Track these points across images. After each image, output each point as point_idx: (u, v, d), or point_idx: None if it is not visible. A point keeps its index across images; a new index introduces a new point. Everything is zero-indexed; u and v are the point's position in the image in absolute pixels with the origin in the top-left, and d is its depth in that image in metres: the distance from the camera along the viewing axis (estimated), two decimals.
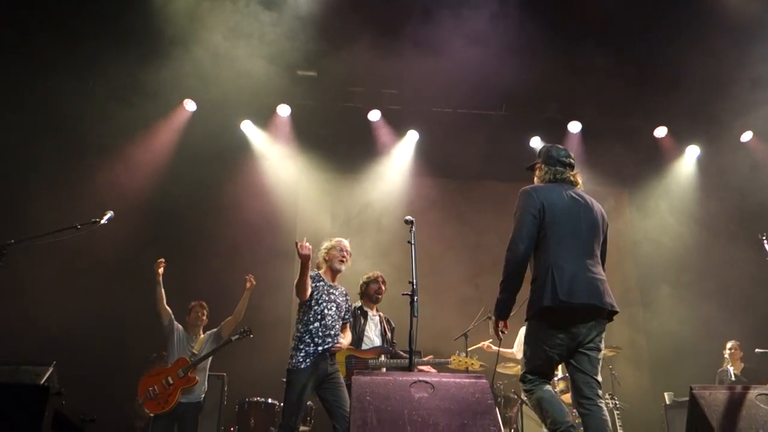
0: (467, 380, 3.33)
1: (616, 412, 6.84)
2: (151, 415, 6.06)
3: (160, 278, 6.33)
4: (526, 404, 7.15)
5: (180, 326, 6.51)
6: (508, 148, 9.51)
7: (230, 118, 9.33)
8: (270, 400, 7.02)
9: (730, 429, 3.21)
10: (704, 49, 7.82)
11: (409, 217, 4.74)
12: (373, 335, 5.90)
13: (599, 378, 3.60)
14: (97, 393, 6.22)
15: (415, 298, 4.38)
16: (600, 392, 3.57)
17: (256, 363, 7.95)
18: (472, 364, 6.09)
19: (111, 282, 8.15)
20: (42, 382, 2.62)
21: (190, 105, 9.11)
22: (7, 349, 6.06)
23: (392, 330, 6.10)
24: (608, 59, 8.26)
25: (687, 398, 7.12)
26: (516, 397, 7.40)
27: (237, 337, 6.32)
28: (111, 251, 8.04)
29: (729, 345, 7.82)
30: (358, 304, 6.06)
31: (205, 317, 6.60)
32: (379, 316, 6.11)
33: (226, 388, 6.85)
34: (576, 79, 8.79)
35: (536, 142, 9.90)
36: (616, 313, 3.71)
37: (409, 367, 4.24)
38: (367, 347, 5.83)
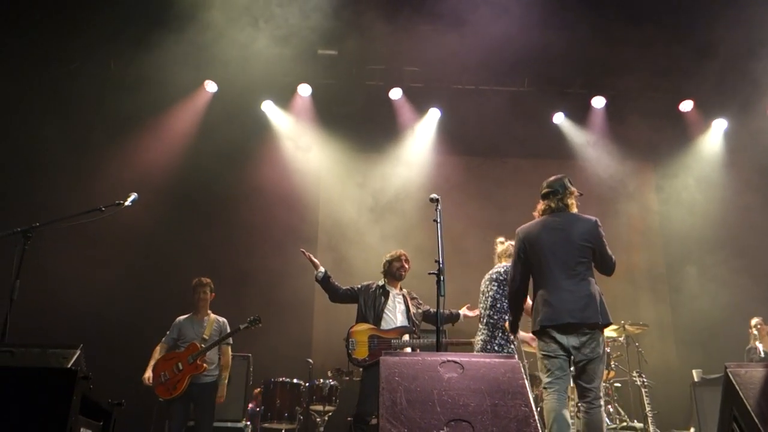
0: (497, 360, 3.28)
1: (643, 390, 6.77)
2: (161, 399, 6.03)
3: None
4: None
5: (182, 318, 6.38)
6: (532, 125, 9.38)
7: (251, 99, 9.28)
8: (295, 380, 7.04)
9: (767, 407, 3.12)
10: (731, 21, 7.60)
11: (434, 195, 4.67)
12: (395, 314, 5.82)
13: (593, 385, 4.19)
14: (123, 376, 6.22)
15: (442, 277, 4.32)
16: (594, 397, 4.18)
17: (280, 344, 7.98)
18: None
19: (135, 264, 8.21)
20: (69, 365, 2.60)
21: (210, 86, 9.09)
22: (34, 332, 6.10)
23: (419, 306, 6.03)
24: (633, 33, 8.09)
25: (715, 375, 7.14)
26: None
27: (245, 326, 6.20)
28: (135, 233, 8.09)
29: (754, 322, 7.67)
30: (381, 282, 6.01)
31: (208, 294, 6.41)
32: (404, 294, 6.03)
33: (251, 369, 6.86)
34: (600, 54, 8.61)
35: (559, 118, 9.77)
36: (594, 326, 4.23)
37: (437, 347, 4.19)
38: (389, 327, 5.76)
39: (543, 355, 4.31)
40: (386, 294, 5.90)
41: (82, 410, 2.11)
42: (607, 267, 4.48)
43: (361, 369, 5.85)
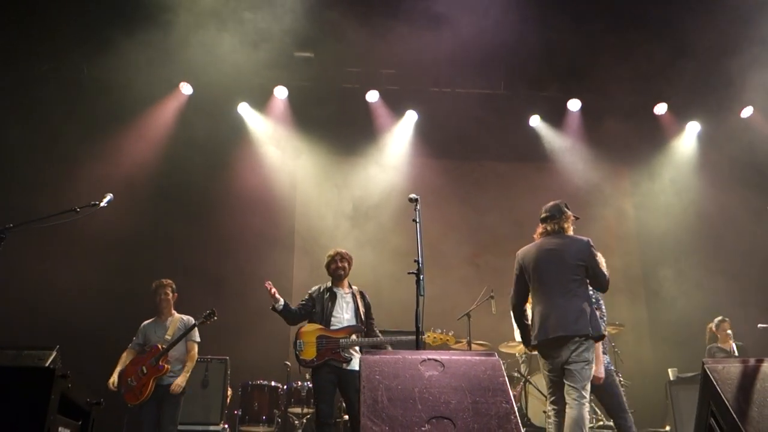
0: (478, 358, 3.29)
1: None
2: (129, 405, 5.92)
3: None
4: (530, 382, 7.16)
5: (147, 323, 6.32)
6: (508, 128, 9.47)
7: (227, 101, 9.23)
8: (273, 383, 7.01)
9: (745, 403, 3.16)
10: (705, 24, 7.75)
11: (413, 195, 4.68)
12: (342, 314, 5.70)
13: (579, 385, 4.51)
14: (98, 378, 6.12)
15: (421, 276, 4.33)
16: (577, 396, 4.48)
17: (257, 347, 7.92)
18: (448, 339, 5.79)
19: (109, 266, 8.10)
20: (47, 364, 2.56)
21: (186, 88, 9.02)
22: (8, 335, 5.99)
23: (367, 306, 5.90)
24: (609, 36, 8.20)
25: (690, 374, 7.23)
26: (519, 375, 7.39)
27: (200, 320, 6.12)
28: (109, 235, 7.99)
29: (715, 321, 7.80)
30: (328, 284, 5.88)
31: (170, 296, 6.32)
32: (352, 292, 5.88)
33: (228, 372, 6.79)
34: (576, 57, 8.71)
35: (536, 121, 9.85)
36: (585, 336, 4.60)
37: (417, 346, 4.19)
38: (336, 327, 5.63)
39: (546, 373, 4.81)
40: (333, 296, 5.78)
41: (60, 409, 2.07)
42: (600, 284, 4.89)
43: (310, 371, 5.74)
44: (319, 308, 5.71)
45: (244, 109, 9.40)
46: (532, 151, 9.85)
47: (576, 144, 9.80)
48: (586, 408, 4.51)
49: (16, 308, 6.99)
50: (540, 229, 5.10)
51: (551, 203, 5.19)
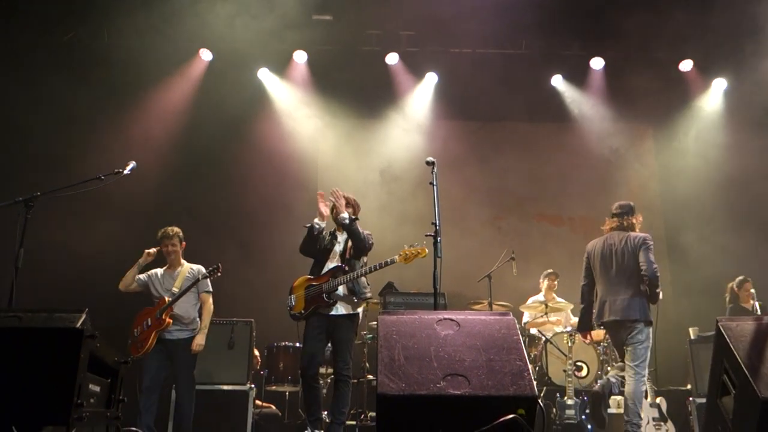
0: (492, 317, 3.35)
1: None
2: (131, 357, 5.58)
3: (139, 266, 6.03)
4: (551, 342, 7.24)
5: (154, 271, 6.17)
6: (530, 88, 9.37)
7: (247, 67, 9.25)
8: (297, 344, 7.15)
9: (758, 359, 3.19)
10: None
11: (430, 158, 4.71)
12: (334, 257, 5.46)
13: (635, 363, 5.48)
14: (125, 341, 6.26)
15: (438, 239, 4.39)
16: (633, 373, 5.46)
17: (282, 309, 8.07)
18: (419, 252, 5.14)
19: (134, 231, 8.23)
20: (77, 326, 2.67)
21: (206, 54, 9.05)
22: (38, 299, 6.17)
23: (361, 241, 5.42)
24: None
25: (711, 333, 7.20)
26: (540, 335, 7.47)
27: (204, 275, 5.97)
28: (133, 201, 8.13)
29: (736, 281, 7.76)
30: (332, 230, 5.65)
31: (177, 246, 6.09)
32: (346, 235, 5.55)
33: (254, 334, 6.95)
34: (598, 14, 8.53)
35: (558, 81, 9.72)
36: (636, 320, 5.52)
37: (435, 307, 4.26)
38: (325, 272, 5.43)
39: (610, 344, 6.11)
40: (334, 237, 5.56)
41: (90, 368, 2.18)
42: (646, 270, 5.50)
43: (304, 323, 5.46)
44: (320, 255, 5.50)
45: (264, 75, 9.42)
46: (554, 111, 9.75)
47: (599, 103, 9.67)
48: (643, 384, 5.45)
49: (46, 273, 7.16)
50: (610, 224, 5.86)
51: (624, 202, 5.96)
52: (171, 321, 5.85)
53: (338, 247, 5.51)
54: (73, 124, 8.53)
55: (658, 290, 5.61)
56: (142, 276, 6.15)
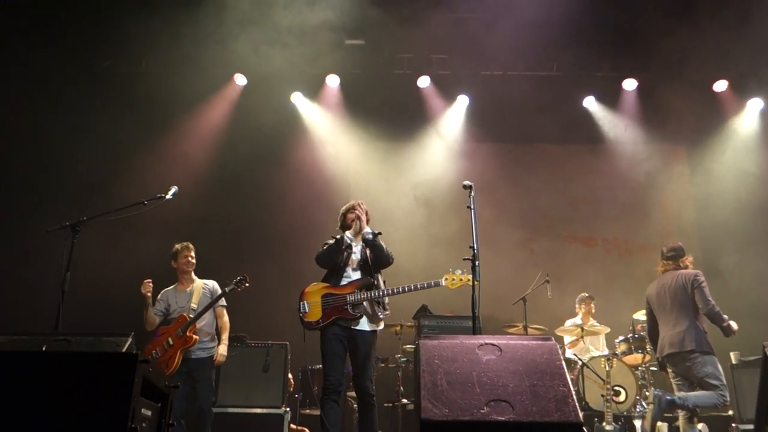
0: (535, 342, 3.33)
1: None
2: None
3: (149, 299, 5.83)
4: (588, 367, 7.14)
5: (164, 293, 6.09)
6: (561, 110, 9.35)
7: (280, 91, 9.39)
8: None
9: None
10: None
11: (467, 182, 4.70)
12: (353, 268, 5.24)
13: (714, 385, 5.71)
14: None
15: (476, 262, 4.38)
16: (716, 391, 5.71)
17: (317, 333, 8.09)
18: (467, 281, 4.90)
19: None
20: (123, 350, 2.72)
21: (240, 79, 9.22)
22: (84, 322, 6.27)
23: (378, 252, 5.26)
24: (661, 11, 7.98)
25: (753, 357, 7.08)
26: (577, 359, 7.37)
27: (231, 287, 5.80)
28: (172, 224, 8.26)
29: None
30: (347, 237, 5.35)
31: (193, 259, 6.09)
32: (362, 244, 5.37)
33: (289, 357, 6.97)
34: (629, 34, 8.51)
35: (590, 102, 9.69)
36: (692, 351, 5.79)
37: (474, 331, 4.24)
38: (344, 283, 5.17)
39: (671, 379, 6.09)
40: (350, 248, 5.30)
41: (142, 392, 2.22)
42: (703, 308, 5.84)
43: (319, 334, 5.20)
44: (338, 262, 5.23)
45: (297, 99, 9.55)
46: (586, 132, 9.72)
47: (631, 125, 9.61)
48: (725, 395, 5.66)
49: (90, 295, 7.30)
50: (664, 266, 6.21)
51: (674, 244, 6.29)
52: (198, 337, 5.70)
53: (355, 257, 5.29)
54: (114, 150, 8.75)
55: (725, 324, 5.83)
56: (158, 306, 6.03)
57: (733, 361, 7.46)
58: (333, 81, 9.34)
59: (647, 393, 7.06)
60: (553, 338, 3.42)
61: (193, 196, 8.16)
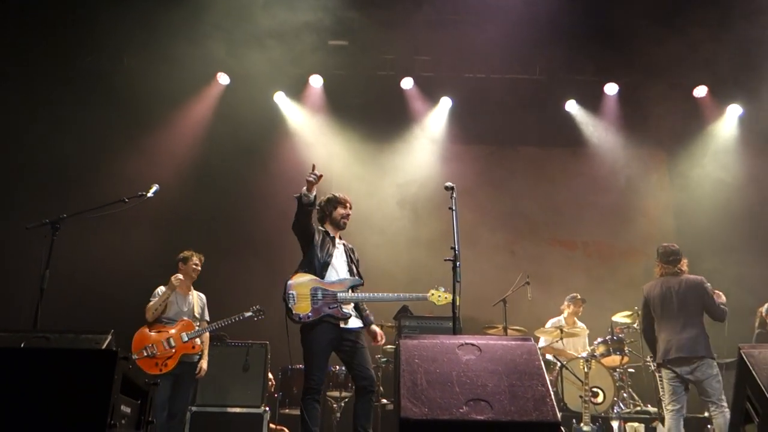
0: (514, 342, 3.36)
1: (657, 375, 6.83)
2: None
3: (172, 292, 6.05)
4: (566, 368, 7.20)
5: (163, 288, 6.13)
6: (543, 113, 9.43)
7: (263, 91, 9.36)
8: None
9: None
10: (745, 4, 7.58)
11: (449, 183, 4.71)
12: (339, 265, 5.07)
13: (715, 398, 5.76)
14: None
15: (458, 263, 4.40)
16: (716, 407, 5.75)
17: (297, 333, 8.07)
18: (446, 297, 4.89)
19: (153, 250, 8.29)
20: (103, 348, 2.71)
21: (223, 78, 9.18)
22: (64, 319, 6.22)
23: (357, 262, 5.26)
24: (644, 17, 8.07)
25: (729, 360, 7.16)
26: (555, 360, 7.43)
27: (250, 314, 6.27)
28: (153, 222, 8.22)
29: (764, 308, 7.68)
30: (321, 228, 5.22)
31: (199, 269, 6.34)
32: (344, 245, 5.27)
33: (269, 356, 6.95)
34: (611, 39, 8.59)
35: (572, 106, 9.77)
36: (703, 357, 5.82)
37: (454, 332, 4.27)
38: (333, 278, 4.98)
39: (667, 381, 6.02)
40: (333, 241, 5.12)
41: (121, 389, 2.21)
42: (714, 314, 5.99)
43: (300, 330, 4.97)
44: (321, 250, 5.03)
45: (280, 99, 9.53)
46: (568, 136, 9.80)
47: (613, 129, 9.70)
48: (727, 413, 5.56)
49: (72, 294, 7.25)
50: (664, 269, 6.20)
51: (672, 247, 6.29)
52: (200, 347, 6.09)
53: (340, 256, 5.15)
54: (96, 146, 8.67)
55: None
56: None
57: None
58: (316, 81, 9.34)
59: (624, 394, 7.13)
60: (532, 339, 3.45)
61: (176, 193, 8.11)
